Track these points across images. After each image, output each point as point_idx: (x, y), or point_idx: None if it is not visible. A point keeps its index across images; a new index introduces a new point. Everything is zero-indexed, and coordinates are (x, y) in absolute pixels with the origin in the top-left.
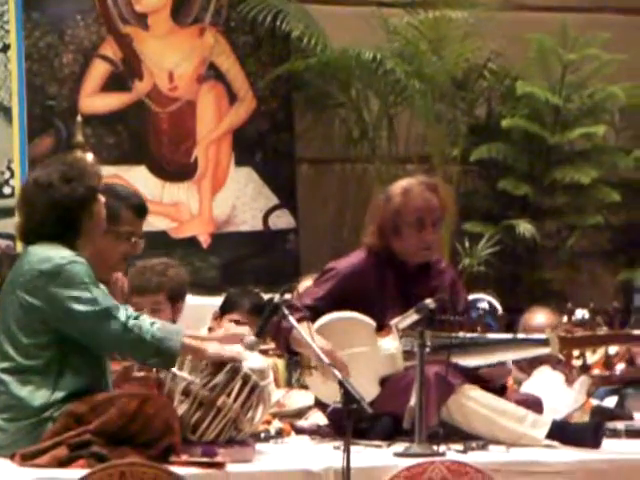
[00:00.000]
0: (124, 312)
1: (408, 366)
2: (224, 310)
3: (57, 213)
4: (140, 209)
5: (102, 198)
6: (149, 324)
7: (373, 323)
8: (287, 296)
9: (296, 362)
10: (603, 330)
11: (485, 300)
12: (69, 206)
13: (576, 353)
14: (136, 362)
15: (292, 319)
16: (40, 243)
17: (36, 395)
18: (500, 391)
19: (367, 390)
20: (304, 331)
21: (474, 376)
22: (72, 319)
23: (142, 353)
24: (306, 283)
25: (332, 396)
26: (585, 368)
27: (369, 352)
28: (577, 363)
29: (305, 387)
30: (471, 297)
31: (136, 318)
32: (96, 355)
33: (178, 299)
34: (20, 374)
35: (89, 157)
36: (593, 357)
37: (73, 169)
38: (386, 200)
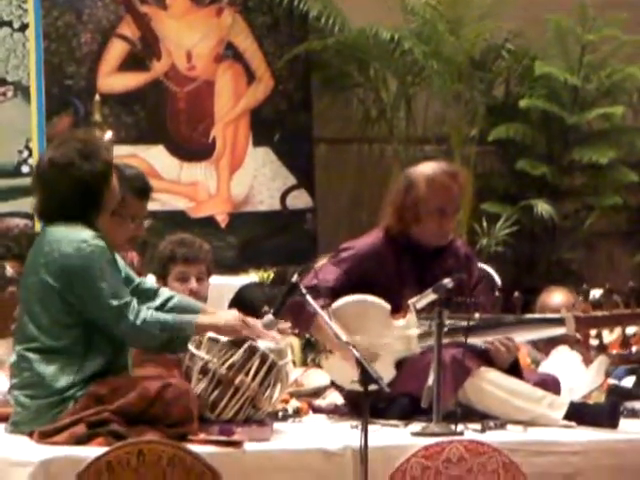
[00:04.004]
0: (134, 308)
1: (424, 348)
2: (235, 306)
3: (80, 191)
4: (144, 192)
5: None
6: (167, 311)
7: (388, 306)
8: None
9: (313, 343)
10: (620, 309)
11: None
12: (92, 183)
13: (593, 333)
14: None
15: (316, 305)
16: (60, 223)
17: (61, 375)
18: (514, 368)
19: (383, 372)
20: (327, 318)
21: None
22: (90, 308)
23: (154, 346)
24: (322, 263)
25: (348, 379)
26: (602, 348)
27: (384, 335)
28: (594, 343)
29: (320, 366)
30: None
31: (152, 299)
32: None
33: (210, 273)
34: (45, 353)
35: (108, 135)
36: (610, 337)
37: (88, 146)
38: (408, 186)
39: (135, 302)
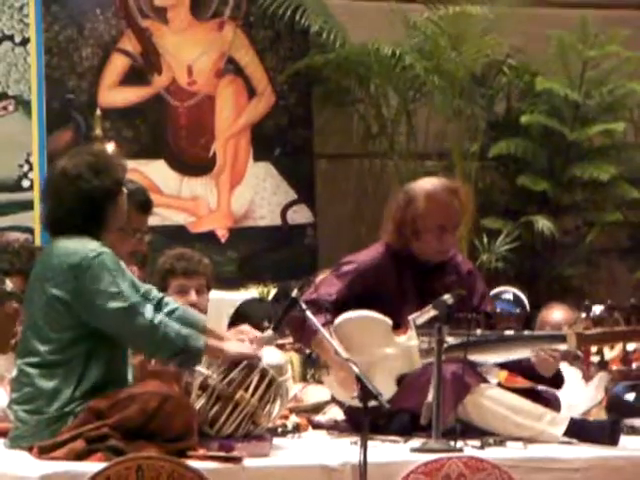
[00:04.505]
0: (150, 308)
1: (425, 364)
2: (235, 321)
3: (85, 205)
4: (145, 206)
5: (125, 190)
6: (174, 320)
7: (389, 321)
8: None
9: (314, 359)
10: (621, 327)
11: (510, 292)
12: (97, 198)
13: (594, 349)
14: (160, 360)
15: (316, 321)
16: (66, 235)
17: (61, 389)
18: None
19: (384, 388)
20: (327, 335)
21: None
22: (100, 315)
23: (168, 351)
24: (323, 276)
25: (348, 395)
26: (603, 364)
27: (386, 351)
28: (595, 359)
29: (320, 382)
30: (496, 290)
31: (159, 308)
32: (121, 349)
33: (210, 287)
34: (46, 368)
35: (110, 147)
36: (611, 353)
37: (100, 161)
38: (408, 201)
39: (149, 304)
